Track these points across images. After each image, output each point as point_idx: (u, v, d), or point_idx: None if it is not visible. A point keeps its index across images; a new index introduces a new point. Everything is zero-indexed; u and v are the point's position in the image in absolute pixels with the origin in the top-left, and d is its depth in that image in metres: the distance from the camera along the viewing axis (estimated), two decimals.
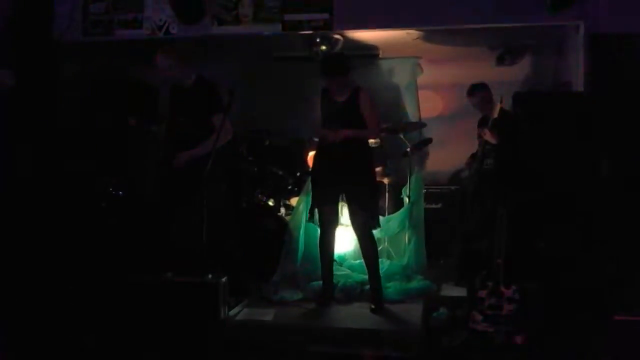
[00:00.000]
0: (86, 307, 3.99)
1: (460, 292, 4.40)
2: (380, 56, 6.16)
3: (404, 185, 5.21)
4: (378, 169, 4.79)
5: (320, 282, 4.44)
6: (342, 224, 4.72)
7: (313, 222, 4.44)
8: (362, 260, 4.45)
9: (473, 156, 5.14)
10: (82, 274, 4.30)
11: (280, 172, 5.38)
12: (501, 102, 4.67)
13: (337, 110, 4.22)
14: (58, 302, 4.07)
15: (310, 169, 5.12)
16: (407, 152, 5.23)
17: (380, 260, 4.50)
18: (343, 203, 4.49)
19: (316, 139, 4.48)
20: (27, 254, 4.51)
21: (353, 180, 4.18)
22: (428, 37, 5.40)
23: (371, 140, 4.54)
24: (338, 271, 4.64)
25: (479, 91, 4.95)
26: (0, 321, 3.96)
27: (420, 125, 5.79)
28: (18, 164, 4.78)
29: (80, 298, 4.06)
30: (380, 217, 4.81)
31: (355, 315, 4.12)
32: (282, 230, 4.86)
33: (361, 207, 4.20)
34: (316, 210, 4.34)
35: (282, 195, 5.38)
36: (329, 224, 4.32)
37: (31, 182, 4.80)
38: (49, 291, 4.19)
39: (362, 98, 4.18)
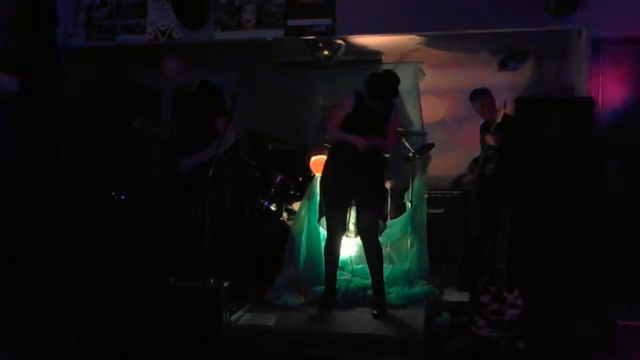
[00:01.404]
0: (88, 311, 3.99)
1: (462, 297, 4.38)
2: (382, 61, 6.16)
3: (406, 190, 5.21)
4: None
5: (323, 287, 4.43)
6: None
7: (320, 225, 4.44)
8: (364, 265, 4.45)
9: (475, 161, 5.14)
10: (84, 277, 4.29)
11: (283, 177, 5.38)
12: (505, 107, 4.67)
13: (369, 120, 4.19)
14: (60, 305, 4.07)
15: (312, 174, 5.13)
16: (409, 157, 5.24)
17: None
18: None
19: (326, 144, 4.46)
20: (30, 257, 4.52)
21: (368, 185, 4.20)
22: (430, 43, 5.40)
23: None
24: (340, 276, 4.64)
25: (480, 96, 4.95)
26: (0, 322, 3.97)
27: (420, 134, 5.80)
28: (21, 169, 4.79)
29: (82, 301, 4.06)
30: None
31: (357, 320, 4.11)
32: (284, 235, 4.85)
33: (373, 212, 4.21)
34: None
35: (284, 200, 5.38)
36: (337, 230, 4.32)
37: (34, 187, 4.81)
38: (51, 294, 4.19)
39: (394, 117, 4.30)
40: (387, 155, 4.78)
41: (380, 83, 4.16)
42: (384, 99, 4.16)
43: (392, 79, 4.17)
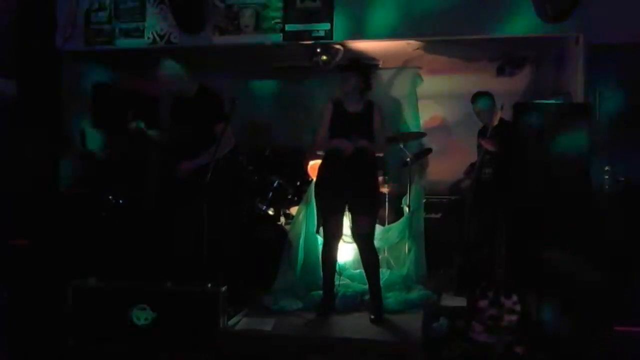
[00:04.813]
0: (85, 314, 3.98)
1: (460, 302, 4.37)
2: (380, 66, 6.18)
3: (404, 194, 5.22)
4: (379, 179, 4.78)
5: (320, 291, 4.43)
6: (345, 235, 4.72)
7: (319, 234, 4.43)
8: (362, 270, 4.45)
9: (472, 165, 5.15)
10: (82, 280, 4.29)
11: (280, 182, 5.38)
12: (501, 110, 4.68)
13: (350, 121, 4.19)
14: (58, 307, 4.06)
15: (310, 179, 5.14)
16: (407, 161, 5.24)
17: (380, 270, 4.49)
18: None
19: (320, 152, 4.44)
20: (28, 260, 4.51)
21: (360, 190, 4.18)
22: (428, 48, 5.42)
23: None
24: (338, 281, 4.63)
25: (482, 99, 4.94)
26: (0, 321, 3.97)
27: (420, 135, 5.80)
28: (19, 172, 4.78)
29: (78, 305, 4.05)
30: (380, 227, 4.81)
31: (355, 325, 4.10)
32: (282, 240, 4.85)
33: (366, 218, 4.20)
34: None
35: (282, 205, 5.38)
36: (334, 235, 4.30)
37: (32, 190, 4.81)
38: (49, 296, 4.19)
39: (375, 112, 4.22)
40: (379, 155, 4.70)
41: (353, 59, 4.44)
42: (353, 70, 4.25)
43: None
